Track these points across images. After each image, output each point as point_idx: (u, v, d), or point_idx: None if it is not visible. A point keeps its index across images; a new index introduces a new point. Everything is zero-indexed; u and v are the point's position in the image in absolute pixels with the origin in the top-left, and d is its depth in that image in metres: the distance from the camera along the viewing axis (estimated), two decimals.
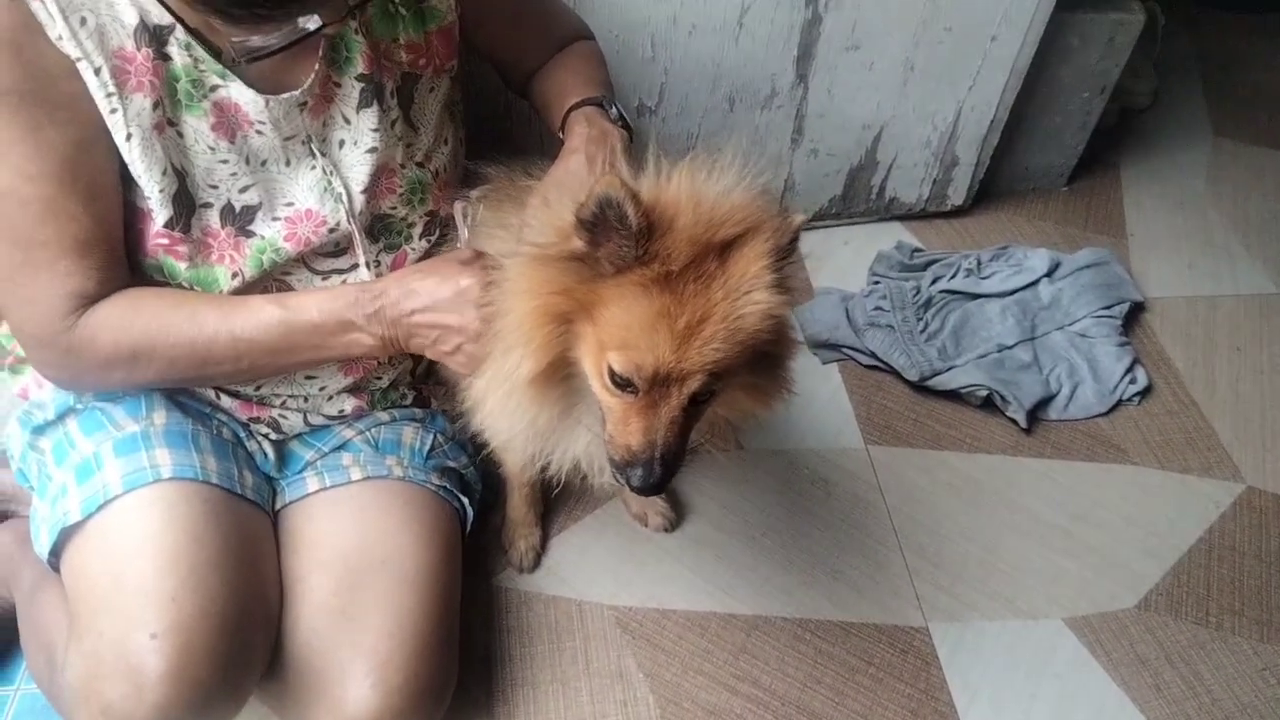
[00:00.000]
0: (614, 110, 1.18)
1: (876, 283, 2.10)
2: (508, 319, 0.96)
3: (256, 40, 0.89)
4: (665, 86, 1.86)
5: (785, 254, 0.91)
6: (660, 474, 0.93)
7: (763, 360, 0.98)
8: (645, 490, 0.94)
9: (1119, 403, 1.91)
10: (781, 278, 0.91)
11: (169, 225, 1.01)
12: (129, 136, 0.96)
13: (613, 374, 0.91)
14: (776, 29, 1.83)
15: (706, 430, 1.08)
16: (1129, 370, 1.94)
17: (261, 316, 1.05)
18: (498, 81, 1.79)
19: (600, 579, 1.55)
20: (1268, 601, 1.61)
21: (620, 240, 0.87)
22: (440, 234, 1.22)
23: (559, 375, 0.99)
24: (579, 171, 1.05)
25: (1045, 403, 1.89)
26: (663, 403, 0.91)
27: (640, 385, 0.90)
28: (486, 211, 1.13)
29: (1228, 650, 1.54)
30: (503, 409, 1.04)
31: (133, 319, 1.01)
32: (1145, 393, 1.94)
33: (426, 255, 1.21)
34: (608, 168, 1.03)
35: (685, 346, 0.88)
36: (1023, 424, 1.84)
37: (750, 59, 1.86)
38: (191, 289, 1.07)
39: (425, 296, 1.05)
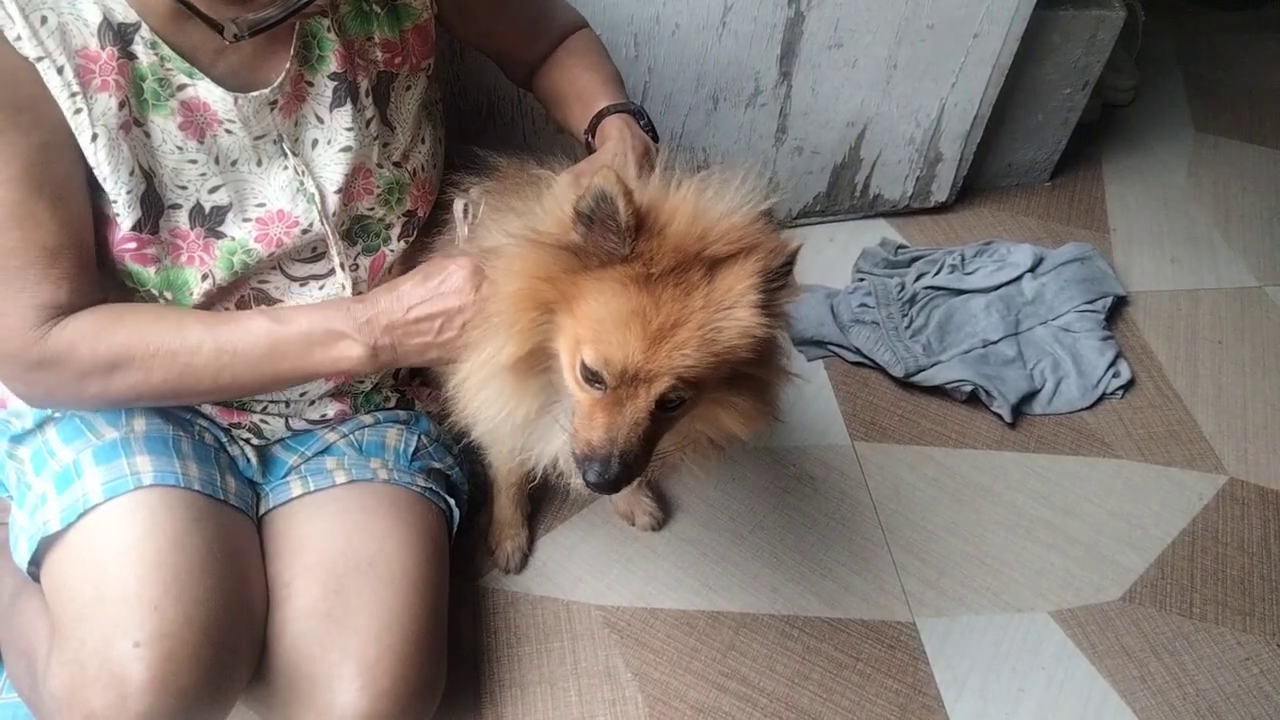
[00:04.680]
0: (645, 120, 1.18)
1: (861, 279, 2.10)
2: (495, 298, 0.96)
3: (251, 15, 0.89)
4: (649, 85, 1.85)
5: (775, 277, 0.89)
6: (616, 472, 0.92)
7: (745, 381, 0.97)
8: (598, 487, 0.93)
9: (1102, 396, 1.93)
10: (769, 300, 0.90)
11: (137, 228, 1.00)
12: (94, 137, 0.94)
13: (584, 367, 0.92)
14: (759, 27, 1.83)
15: (689, 445, 1.08)
16: (1112, 364, 1.96)
17: (249, 327, 1.03)
18: (480, 80, 1.79)
19: (587, 579, 1.55)
20: (1250, 592, 1.63)
21: (609, 235, 0.87)
22: (420, 235, 1.21)
23: (539, 367, 0.99)
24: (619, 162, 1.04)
25: (1030, 397, 1.90)
26: (629, 402, 0.91)
27: (609, 381, 0.90)
28: (495, 200, 1.11)
29: (1211, 640, 1.55)
30: (483, 392, 1.03)
31: (114, 329, 0.99)
32: (1128, 386, 1.96)
33: (405, 257, 1.20)
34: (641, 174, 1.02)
35: (655, 348, 0.88)
36: (1007, 419, 1.85)
37: (734, 57, 1.86)
38: (161, 295, 1.06)
39: (416, 292, 1.03)
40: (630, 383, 0.90)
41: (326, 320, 1.04)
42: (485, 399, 1.04)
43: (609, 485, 0.93)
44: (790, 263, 0.90)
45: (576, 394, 0.95)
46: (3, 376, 1.04)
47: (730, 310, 0.89)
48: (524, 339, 0.94)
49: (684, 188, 0.93)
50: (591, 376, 0.92)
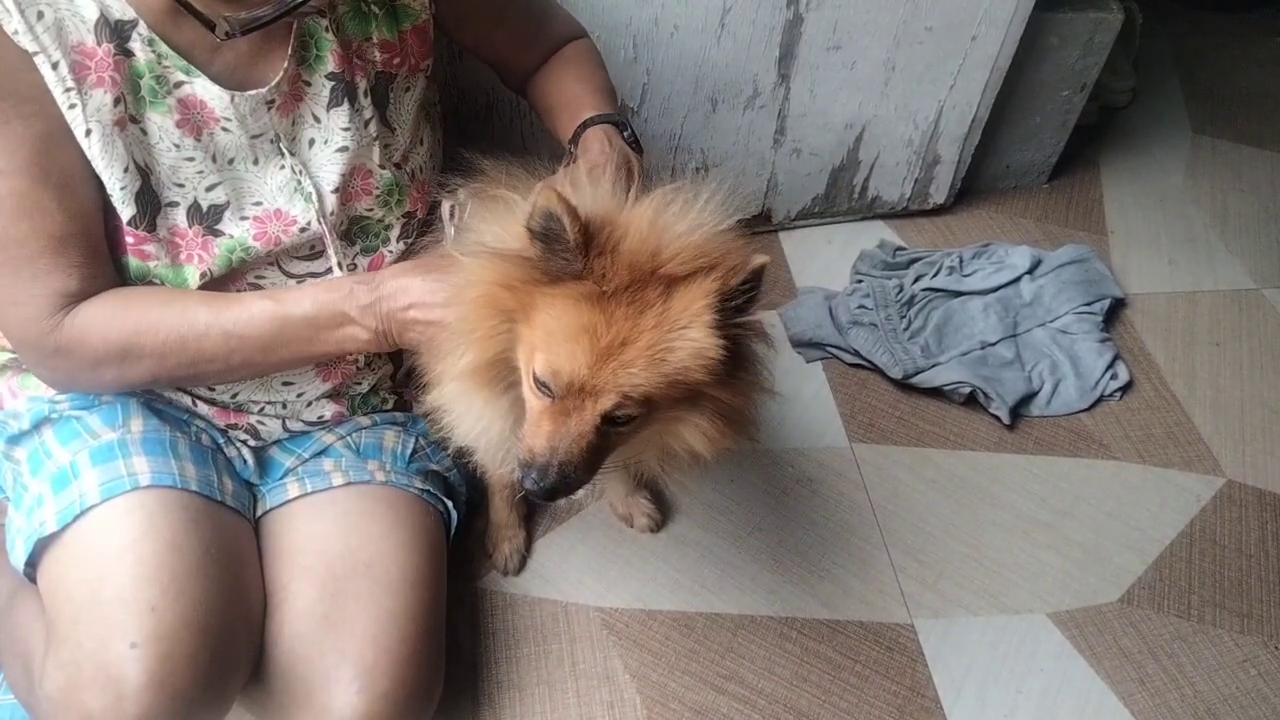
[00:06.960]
0: (629, 131, 1.17)
1: (859, 281, 2.10)
2: (458, 308, 0.96)
3: (244, 14, 0.89)
4: (647, 87, 1.85)
5: (734, 296, 0.86)
6: (553, 481, 0.91)
7: (708, 400, 0.95)
8: (536, 494, 0.93)
9: (1100, 398, 1.93)
10: (727, 319, 0.87)
11: (132, 224, 1.00)
12: (88, 132, 0.94)
13: (535, 375, 0.92)
14: (758, 30, 1.83)
15: (665, 457, 1.07)
16: (1110, 366, 1.96)
17: (254, 311, 1.04)
18: (478, 81, 1.79)
19: (586, 580, 1.55)
20: (1248, 594, 1.63)
21: (561, 252, 0.87)
22: (418, 236, 1.21)
23: (505, 382, 0.99)
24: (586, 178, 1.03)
25: (1028, 399, 1.90)
26: (575, 414, 0.91)
27: (556, 391, 0.90)
28: (479, 203, 1.11)
29: (1209, 642, 1.55)
30: (453, 403, 1.04)
31: (122, 317, 1.00)
32: (1126, 388, 1.96)
33: (403, 258, 1.19)
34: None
35: (602, 364, 0.88)
36: (1006, 421, 1.85)
37: (732, 59, 1.86)
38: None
39: (419, 292, 1.03)
40: (577, 395, 0.90)
41: (331, 303, 1.05)
42: (458, 415, 1.04)
43: (545, 493, 0.93)
44: (753, 280, 0.87)
45: (530, 400, 0.95)
46: (28, 363, 1.07)
47: (684, 330, 0.87)
48: (484, 346, 0.94)
49: (642, 204, 0.91)
50: (540, 384, 0.92)
